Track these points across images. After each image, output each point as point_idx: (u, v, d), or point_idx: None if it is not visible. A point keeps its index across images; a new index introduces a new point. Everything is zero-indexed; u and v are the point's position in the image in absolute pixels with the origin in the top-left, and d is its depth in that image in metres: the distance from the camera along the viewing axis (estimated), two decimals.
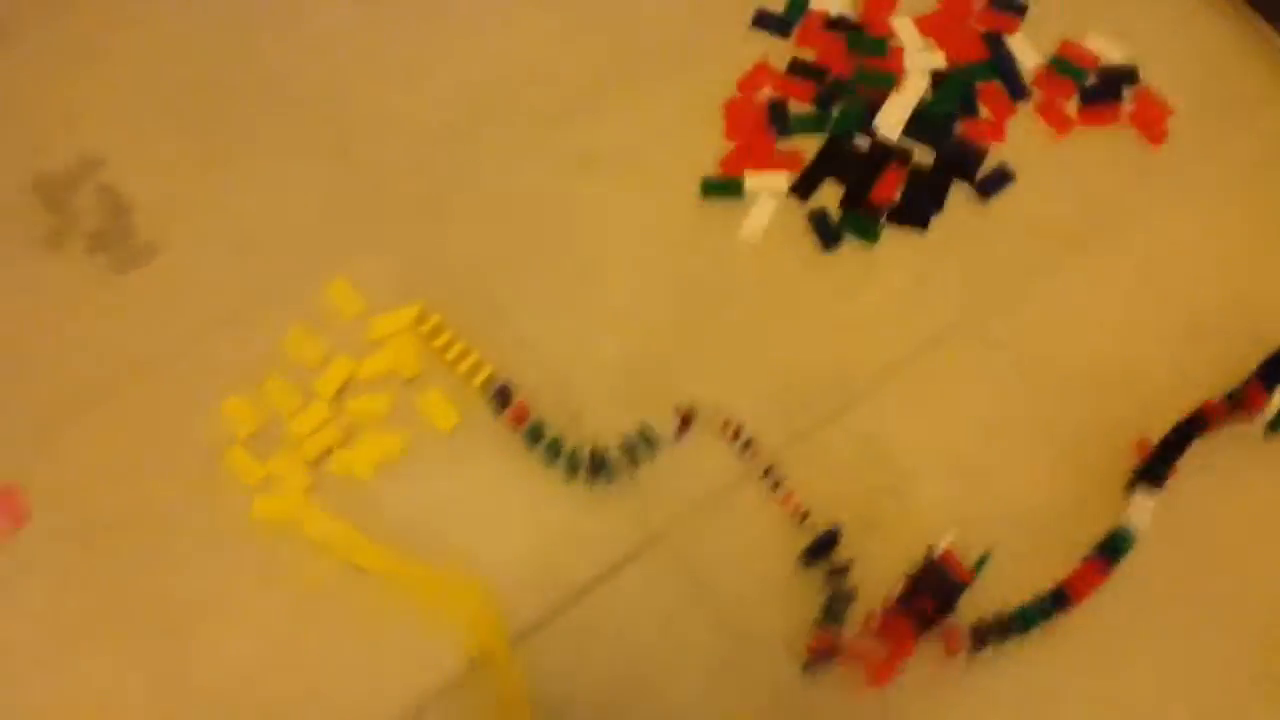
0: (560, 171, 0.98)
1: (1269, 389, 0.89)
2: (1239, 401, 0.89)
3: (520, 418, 0.89)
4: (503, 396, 0.89)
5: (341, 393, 0.89)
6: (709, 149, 1.00)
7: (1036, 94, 1.01)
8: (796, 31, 1.04)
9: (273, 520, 0.84)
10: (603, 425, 0.89)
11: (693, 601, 0.85)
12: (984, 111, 1.00)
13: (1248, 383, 0.90)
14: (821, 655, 0.82)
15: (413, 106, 1.00)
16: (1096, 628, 0.84)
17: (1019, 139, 1.00)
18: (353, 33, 1.03)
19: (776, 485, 0.88)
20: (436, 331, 0.90)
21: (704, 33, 1.04)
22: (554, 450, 0.88)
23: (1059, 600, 0.84)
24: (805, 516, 0.87)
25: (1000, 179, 0.99)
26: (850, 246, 0.96)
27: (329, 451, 0.87)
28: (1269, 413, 0.89)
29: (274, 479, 0.86)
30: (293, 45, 1.04)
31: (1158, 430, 0.89)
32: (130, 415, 0.88)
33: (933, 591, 0.84)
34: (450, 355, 0.89)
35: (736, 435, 0.90)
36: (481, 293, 0.93)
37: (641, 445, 0.88)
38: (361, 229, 0.96)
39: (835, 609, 0.84)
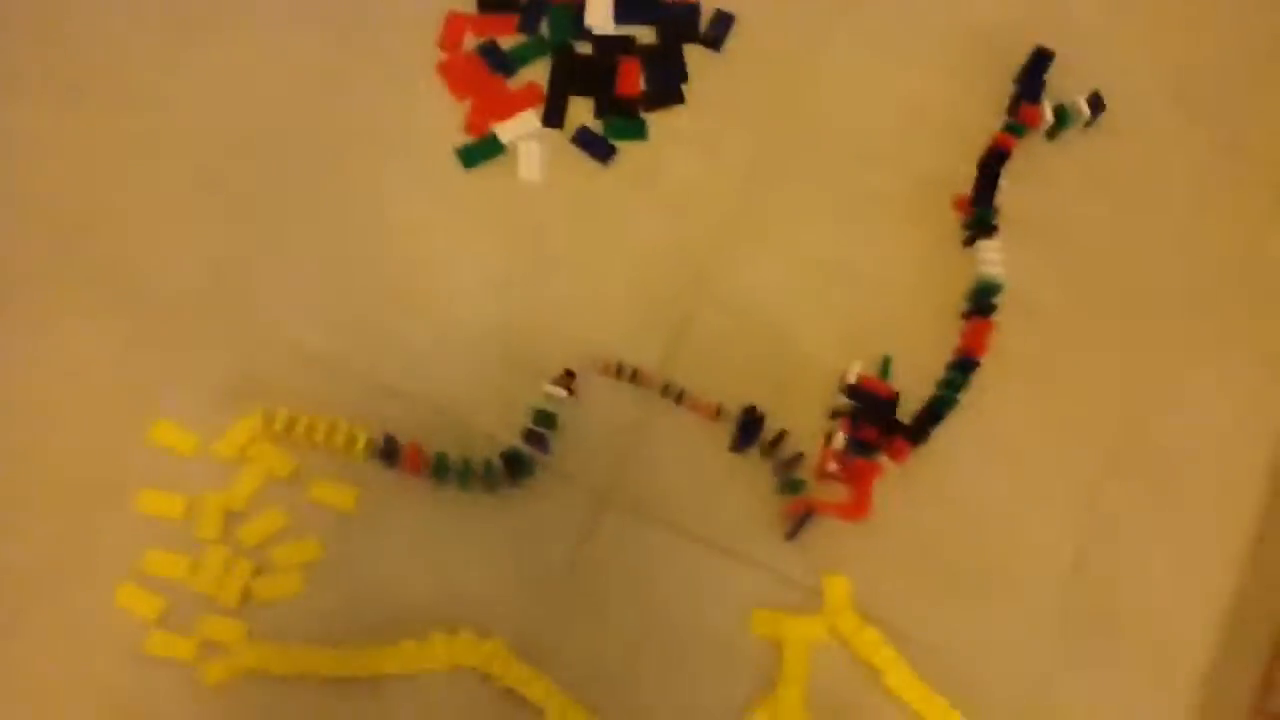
0: (325, 196, 1.15)
1: (1035, 101, 1.23)
2: (1020, 123, 1.22)
3: (417, 462, 1.06)
4: (390, 451, 1.03)
5: (227, 527, 1.01)
6: (447, 117, 1.16)
7: None
8: None
9: (231, 675, 0.98)
10: (493, 422, 1.06)
11: (666, 540, 1.08)
12: None
13: (1018, 103, 1.23)
14: (798, 520, 1.08)
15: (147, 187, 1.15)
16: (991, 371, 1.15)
17: None
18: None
19: (680, 397, 1.11)
20: (291, 423, 1.02)
21: (381, 9, 1.23)
22: (464, 474, 1.06)
23: (966, 366, 1.13)
24: (719, 411, 1.11)
25: (723, 23, 1.22)
26: (627, 148, 1.16)
27: (247, 589, 0.99)
28: (1046, 123, 1.22)
29: (209, 644, 0.97)
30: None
31: (964, 178, 1.19)
32: (28, 650, 0.99)
33: (870, 419, 1.11)
34: (319, 437, 1.01)
35: (619, 371, 1.11)
36: (306, 360, 1.07)
37: (541, 425, 1.10)
38: (154, 363, 1.08)
39: (789, 476, 1.09)
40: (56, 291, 1.10)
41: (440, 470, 1.02)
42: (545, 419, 1.05)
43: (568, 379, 1.06)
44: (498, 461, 1.03)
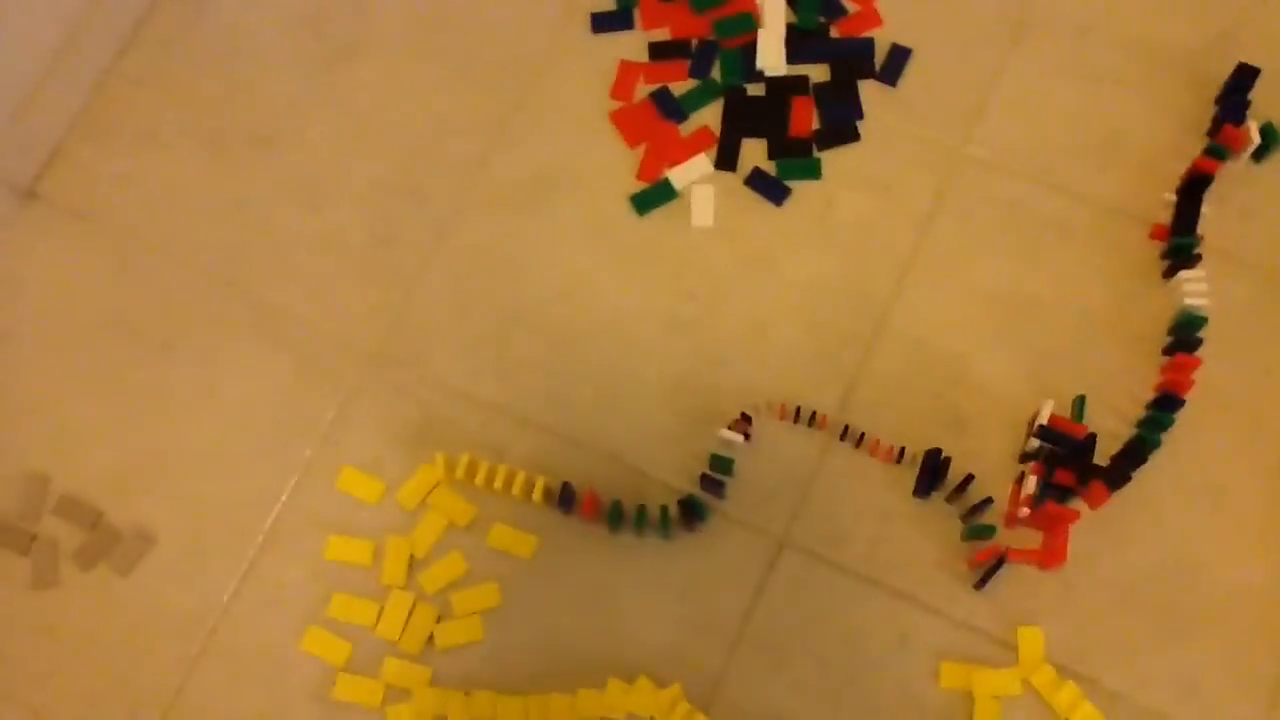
0: (499, 244, 1.22)
1: (1238, 122, 1.18)
2: (1223, 145, 1.17)
3: (594, 509, 1.10)
4: (568, 498, 1.09)
5: (411, 573, 1.09)
6: (621, 166, 1.22)
7: None
8: (638, 18, 1.29)
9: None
10: (669, 469, 1.11)
11: (847, 587, 1.08)
12: (849, 5, 1.28)
13: (1220, 125, 1.19)
14: (988, 569, 1.06)
15: (319, 226, 1.23)
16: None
17: (895, 14, 1.25)
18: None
19: (859, 440, 1.12)
20: (472, 469, 1.09)
21: (555, 62, 1.28)
22: (640, 521, 1.09)
23: (1169, 404, 1.10)
24: (900, 455, 1.11)
25: (899, 59, 1.25)
26: (801, 188, 1.21)
27: (430, 635, 1.06)
28: (1253, 144, 1.17)
29: (394, 689, 1.05)
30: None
31: (1161, 206, 1.17)
32: (217, 690, 1.08)
33: (1064, 462, 1.08)
34: (499, 484, 1.08)
35: (797, 415, 1.13)
36: (481, 408, 1.14)
37: (717, 470, 1.11)
38: (334, 409, 1.16)
39: (976, 523, 1.08)
40: (224, 337, 1.21)
41: (615, 517, 1.05)
42: (722, 465, 1.09)
43: (744, 423, 1.09)
44: (674, 508, 1.05)
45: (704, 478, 1.10)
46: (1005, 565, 1.05)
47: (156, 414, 1.18)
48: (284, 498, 1.14)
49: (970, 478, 1.07)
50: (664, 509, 1.08)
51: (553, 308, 1.19)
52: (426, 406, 1.16)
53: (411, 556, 1.09)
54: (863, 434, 1.11)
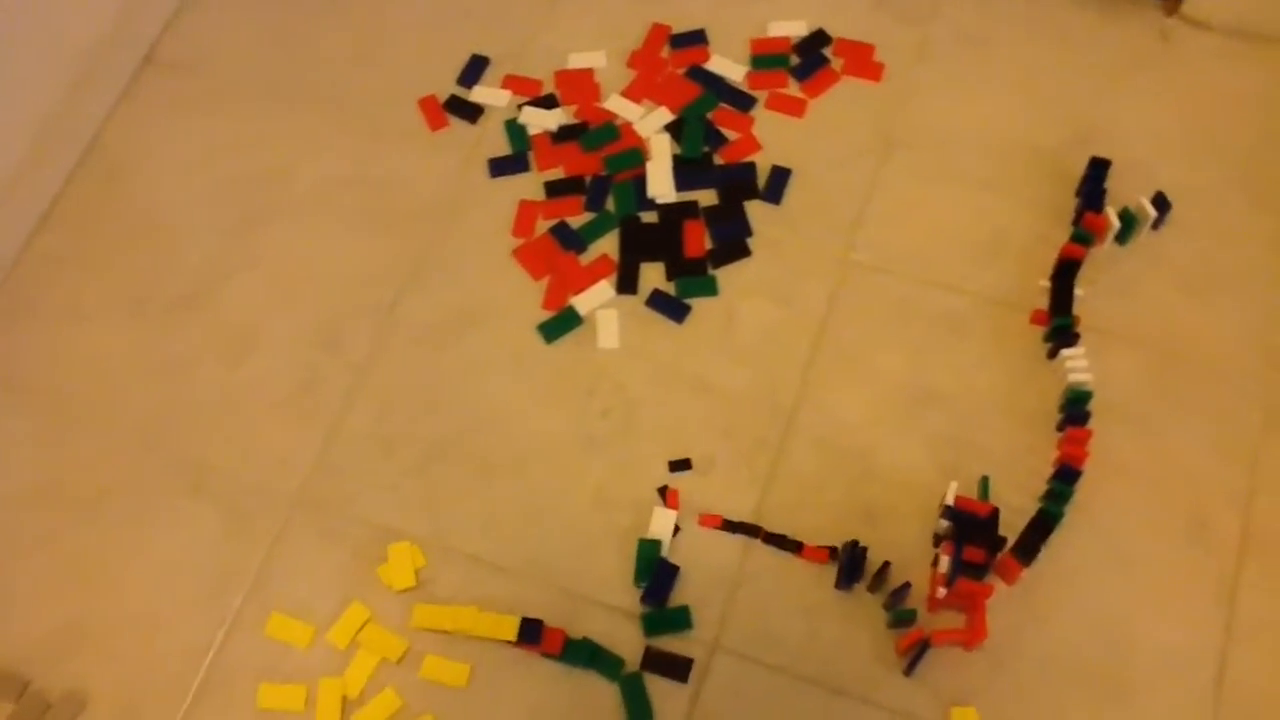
0: (414, 383, 1.19)
1: (1098, 210, 1.21)
2: (1087, 231, 1.20)
3: (556, 643, 1.04)
4: (532, 631, 1.04)
5: (345, 713, 1.02)
6: (528, 298, 1.21)
7: (760, 96, 1.32)
8: (533, 161, 1.30)
9: None
10: (603, 585, 1.07)
11: (781, 685, 1.04)
12: (729, 134, 1.31)
13: (1081, 214, 1.21)
14: (914, 654, 1.03)
15: (243, 381, 1.19)
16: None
17: (772, 138, 1.27)
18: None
19: (782, 543, 1.10)
20: (434, 617, 1.05)
21: (459, 207, 1.27)
22: (589, 656, 1.04)
23: (1068, 476, 1.09)
24: (832, 553, 1.09)
25: (780, 179, 1.26)
26: (700, 305, 1.20)
27: None
28: (1113, 229, 1.20)
29: None
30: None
31: (1038, 292, 1.18)
32: None
33: (974, 540, 1.07)
34: (464, 625, 1.05)
35: (726, 524, 1.11)
36: (413, 539, 1.09)
37: (647, 568, 1.08)
38: (258, 556, 1.10)
39: (898, 609, 1.05)
40: (150, 495, 1.16)
41: (575, 654, 1.03)
42: (648, 557, 1.09)
43: (673, 497, 1.11)
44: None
45: (647, 593, 1.07)
46: (931, 648, 1.02)
47: (85, 577, 1.12)
48: (215, 649, 1.07)
49: (887, 565, 1.05)
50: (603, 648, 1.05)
51: (474, 438, 1.16)
52: (354, 545, 1.12)
53: (344, 697, 1.03)
54: (796, 541, 1.09)
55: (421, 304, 1.23)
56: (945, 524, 1.06)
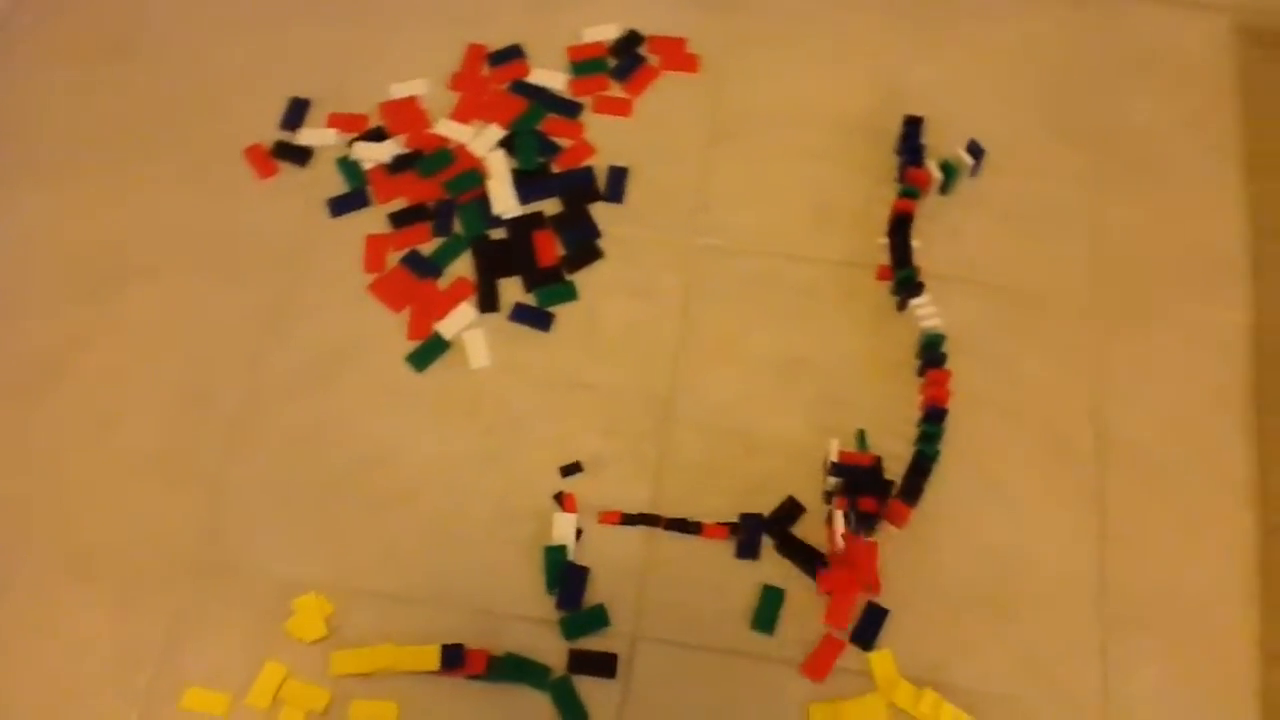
0: (292, 431, 1.17)
1: (919, 165, 1.28)
2: (913, 186, 1.26)
3: (480, 663, 1.04)
4: (454, 656, 1.03)
5: None
6: (392, 331, 1.20)
7: (586, 101, 1.35)
8: (371, 195, 1.29)
9: None
10: (516, 600, 1.07)
11: (705, 662, 1.07)
12: (562, 142, 1.32)
13: (905, 170, 1.28)
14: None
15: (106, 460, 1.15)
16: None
17: (604, 140, 1.29)
18: None
19: (683, 526, 1.12)
20: (356, 660, 1.04)
21: (307, 250, 1.24)
22: (515, 669, 1.04)
23: (936, 416, 1.14)
24: (733, 529, 1.12)
25: (619, 178, 1.28)
26: (563, 311, 1.21)
27: None
28: (936, 181, 1.27)
29: None
30: None
31: (877, 250, 1.24)
32: None
33: (862, 490, 1.11)
34: (381, 664, 1.04)
35: (625, 518, 1.13)
36: (318, 586, 1.07)
37: (556, 570, 1.08)
38: (163, 629, 1.07)
39: (809, 565, 1.09)
40: (42, 585, 1.11)
41: (501, 671, 1.04)
42: (556, 563, 1.09)
43: (569, 500, 1.12)
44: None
45: (560, 598, 1.08)
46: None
47: None
48: None
49: (791, 507, 1.09)
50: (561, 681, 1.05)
51: (361, 475, 1.14)
52: (257, 603, 1.09)
53: None
54: (696, 522, 1.11)
55: (286, 351, 1.20)
56: (833, 480, 1.10)
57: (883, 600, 1.08)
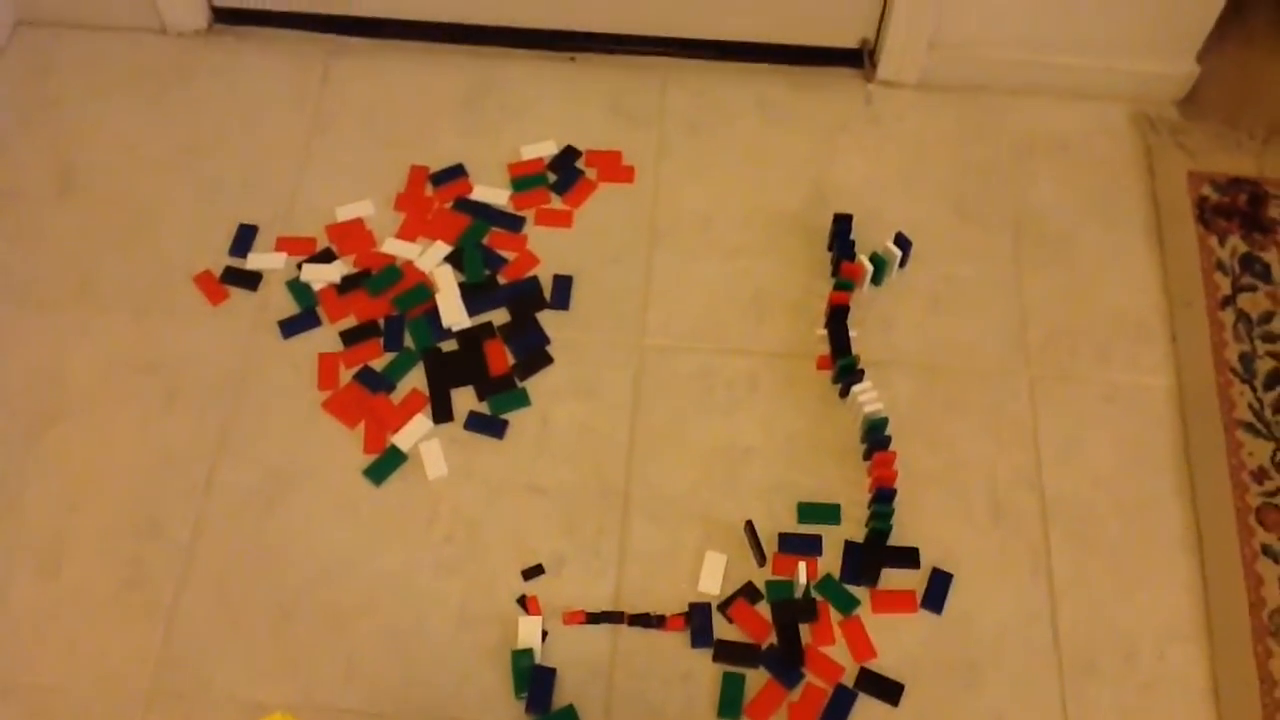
0: (261, 549, 1.15)
1: (851, 259, 1.32)
2: (846, 279, 1.31)
3: None
4: None
5: None
6: (348, 446, 1.20)
7: (528, 214, 1.37)
8: (322, 314, 1.28)
9: None
10: (482, 706, 1.07)
11: None
12: (507, 255, 1.35)
13: (838, 264, 1.32)
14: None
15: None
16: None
17: (548, 250, 1.32)
18: None
19: (646, 621, 1.12)
20: None
21: (256, 372, 1.24)
22: None
23: (885, 496, 1.16)
24: (687, 618, 1.12)
25: (564, 286, 1.30)
26: (516, 418, 1.22)
27: None
28: (868, 273, 1.31)
29: None
30: None
31: (816, 340, 1.27)
32: None
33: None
34: None
35: (586, 618, 1.13)
36: (281, 708, 1.05)
37: (524, 675, 1.09)
38: None
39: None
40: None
41: None
42: (522, 666, 1.07)
43: (532, 604, 1.12)
44: None
45: (529, 702, 1.07)
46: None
47: None
48: None
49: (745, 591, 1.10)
50: None
51: (320, 591, 1.13)
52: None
53: None
54: (661, 616, 1.12)
55: (239, 473, 1.20)
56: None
57: (847, 678, 1.09)
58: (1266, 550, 1.17)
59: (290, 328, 1.29)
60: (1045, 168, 1.42)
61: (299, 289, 1.31)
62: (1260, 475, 1.21)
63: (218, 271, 1.33)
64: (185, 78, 1.48)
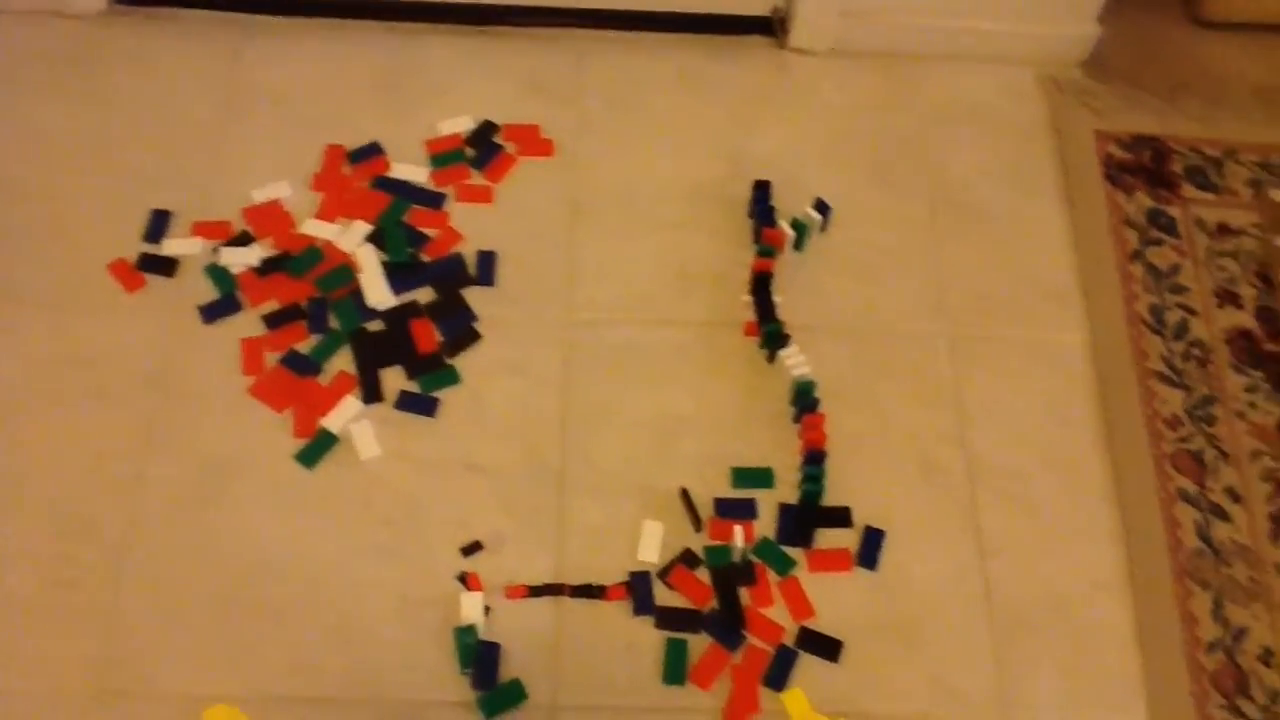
0: (199, 541, 1.13)
1: (772, 225, 1.33)
2: (769, 245, 1.32)
3: None
4: None
5: None
6: (278, 431, 1.18)
7: (448, 191, 1.36)
8: (243, 299, 1.25)
9: None
10: (433, 685, 1.06)
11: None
12: (429, 232, 1.33)
13: (759, 231, 1.33)
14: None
15: None
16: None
17: (470, 227, 1.31)
18: None
19: (588, 592, 1.12)
20: None
21: (180, 361, 1.21)
22: None
23: (815, 458, 1.17)
24: (629, 587, 1.13)
25: (488, 262, 1.29)
26: (447, 396, 1.21)
27: None
28: (790, 238, 1.32)
29: None
30: None
31: (742, 308, 1.28)
32: None
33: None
34: None
35: (531, 591, 1.12)
36: (229, 700, 1.03)
37: (468, 652, 1.09)
38: None
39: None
40: None
41: None
42: (467, 648, 1.08)
43: (474, 580, 1.11)
44: None
45: (475, 678, 1.07)
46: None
47: None
48: None
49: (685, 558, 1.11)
50: None
51: (260, 581, 1.11)
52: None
53: None
54: (599, 586, 1.12)
55: (169, 467, 1.17)
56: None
57: (787, 638, 1.10)
58: (1183, 495, 1.20)
59: (211, 313, 1.26)
60: (959, 132, 1.44)
61: (218, 273, 1.28)
62: (1174, 422, 1.24)
63: (133, 259, 1.29)
64: (89, 62, 1.43)
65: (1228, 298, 1.33)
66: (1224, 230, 1.39)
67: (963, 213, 1.37)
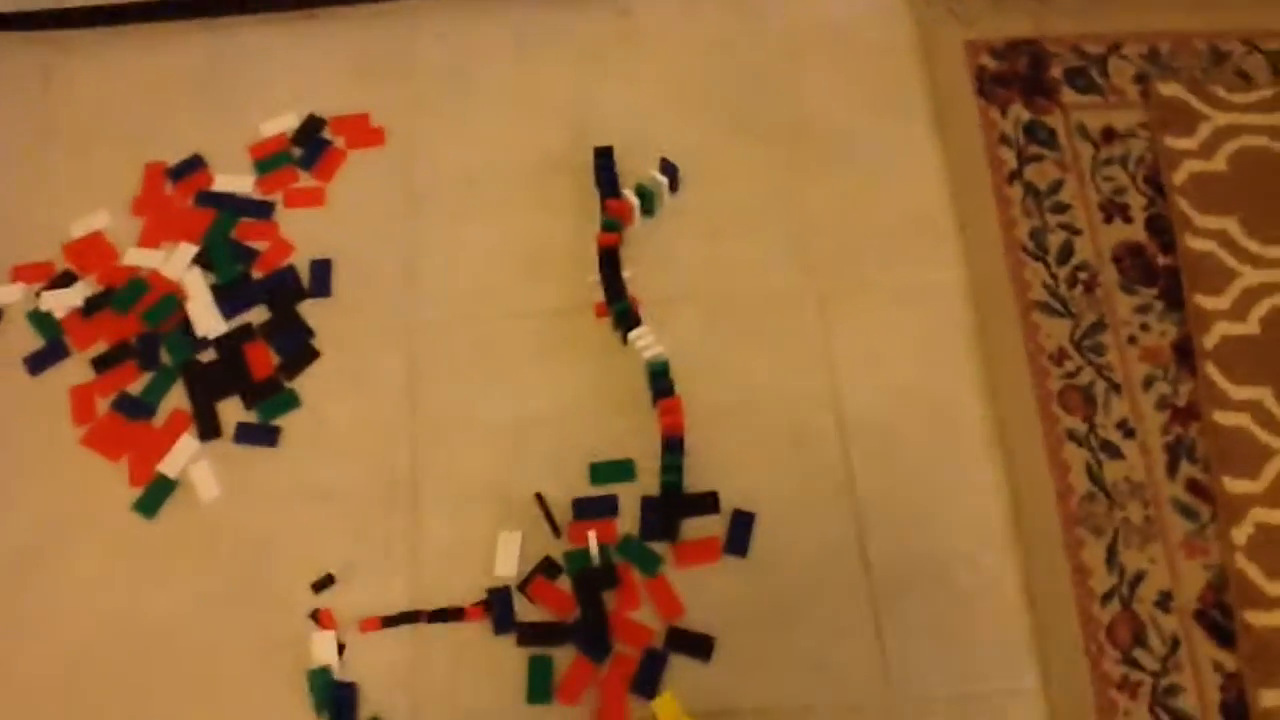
0: (24, 616, 1.09)
1: (617, 195, 1.24)
2: (613, 219, 1.23)
3: None
4: None
5: None
6: (114, 482, 1.13)
7: (276, 197, 1.27)
8: (69, 344, 1.19)
9: None
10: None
11: None
12: (258, 246, 1.25)
13: (603, 203, 1.25)
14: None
15: None
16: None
17: (302, 235, 1.23)
18: None
19: (445, 616, 1.06)
20: None
21: (7, 418, 1.16)
22: None
23: (674, 445, 1.10)
24: (487, 606, 1.07)
25: (323, 271, 1.21)
26: (288, 421, 1.15)
27: None
28: (635, 207, 1.23)
29: None
30: None
31: (589, 290, 1.20)
32: None
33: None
34: None
35: (386, 621, 1.06)
36: None
37: (341, 706, 1.04)
38: None
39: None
40: None
41: None
42: (339, 692, 1.03)
43: (326, 618, 1.07)
44: None
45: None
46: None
47: None
48: None
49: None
50: None
51: (106, 647, 1.07)
52: None
53: None
54: (458, 609, 1.07)
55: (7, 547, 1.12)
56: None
57: (656, 640, 1.05)
58: (1071, 435, 1.13)
59: (37, 363, 1.20)
60: (818, 62, 1.34)
61: (40, 319, 1.22)
62: (1060, 356, 1.17)
63: None
64: None
65: (1116, 210, 1.25)
66: (1109, 135, 1.29)
67: (826, 152, 1.28)
